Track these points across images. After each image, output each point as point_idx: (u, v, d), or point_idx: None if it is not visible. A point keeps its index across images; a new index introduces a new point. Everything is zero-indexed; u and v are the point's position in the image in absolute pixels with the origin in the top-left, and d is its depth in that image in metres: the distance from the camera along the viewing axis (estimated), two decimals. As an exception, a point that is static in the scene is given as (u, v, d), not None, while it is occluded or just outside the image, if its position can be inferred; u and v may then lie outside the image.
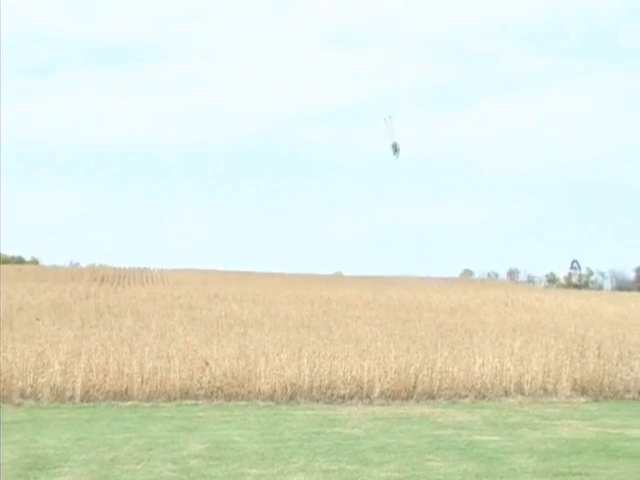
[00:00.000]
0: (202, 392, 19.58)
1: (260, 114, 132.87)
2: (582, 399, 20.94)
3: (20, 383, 18.96)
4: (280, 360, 20.45)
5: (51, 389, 18.96)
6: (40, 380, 19.02)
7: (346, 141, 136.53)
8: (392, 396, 20.21)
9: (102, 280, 63.35)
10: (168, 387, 19.49)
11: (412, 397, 20.34)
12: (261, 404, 19.24)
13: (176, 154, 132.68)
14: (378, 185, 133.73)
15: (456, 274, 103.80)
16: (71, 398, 18.91)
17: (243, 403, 19.25)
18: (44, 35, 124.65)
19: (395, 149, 15.81)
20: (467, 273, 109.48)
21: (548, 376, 21.41)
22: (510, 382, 21.14)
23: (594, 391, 21.36)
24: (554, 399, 20.82)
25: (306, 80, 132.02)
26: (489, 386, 20.98)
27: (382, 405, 19.57)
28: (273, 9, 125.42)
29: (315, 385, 20.04)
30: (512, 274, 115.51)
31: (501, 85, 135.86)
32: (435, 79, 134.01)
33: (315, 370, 20.23)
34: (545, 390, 21.23)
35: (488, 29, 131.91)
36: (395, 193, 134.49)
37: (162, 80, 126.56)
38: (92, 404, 18.72)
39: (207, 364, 19.97)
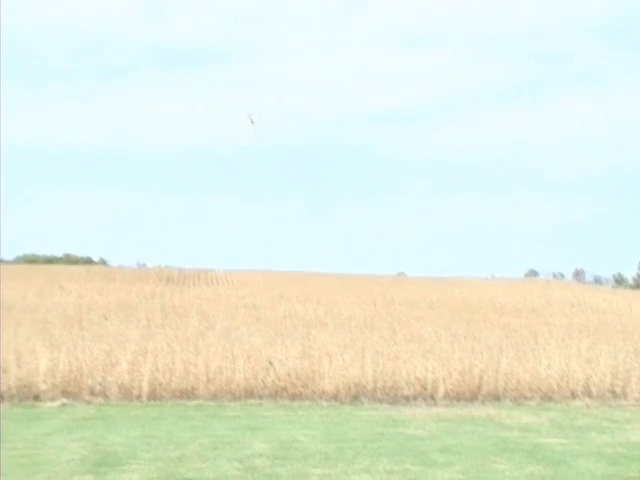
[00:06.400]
0: (266, 392, 19.73)
1: (326, 113, 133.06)
2: (652, 402, 20.51)
3: (90, 381, 19.36)
4: (343, 360, 20.49)
5: (119, 387, 19.31)
6: (109, 378, 19.39)
7: (413, 140, 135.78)
8: (456, 397, 20.08)
9: (168, 280, 64.18)
10: (233, 386, 19.68)
11: (477, 398, 20.19)
12: (325, 404, 19.31)
13: (242, 155, 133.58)
14: (443, 185, 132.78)
15: (521, 274, 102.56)
16: (138, 396, 19.24)
17: (307, 403, 19.34)
18: (116, 39, 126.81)
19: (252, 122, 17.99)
20: (532, 273, 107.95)
21: (617, 378, 21.01)
22: (577, 384, 20.82)
23: (665, 394, 20.90)
24: (623, 402, 20.44)
25: (376, 79, 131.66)
26: (555, 388, 20.70)
27: (446, 406, 19.47)
28: (344, 9, 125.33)
29: (379, 385, 20.03)
30: (578, 275, 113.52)
31: (571, 85, 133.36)
32: (502, 79, 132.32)
33: (378, 370, 20.22)
34: (614, 393, 20.85)
35: (560, 27, 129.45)
36: (460, 193, 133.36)
37: (231, 82, 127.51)
38: (159, 402, 19.01)
39: (271, 364, 20.11)
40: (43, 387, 18.95)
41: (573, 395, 20.68)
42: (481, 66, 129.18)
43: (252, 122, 18.45)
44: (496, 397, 20.30)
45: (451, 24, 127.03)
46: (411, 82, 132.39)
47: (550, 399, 20.43)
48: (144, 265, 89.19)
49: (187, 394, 19.50)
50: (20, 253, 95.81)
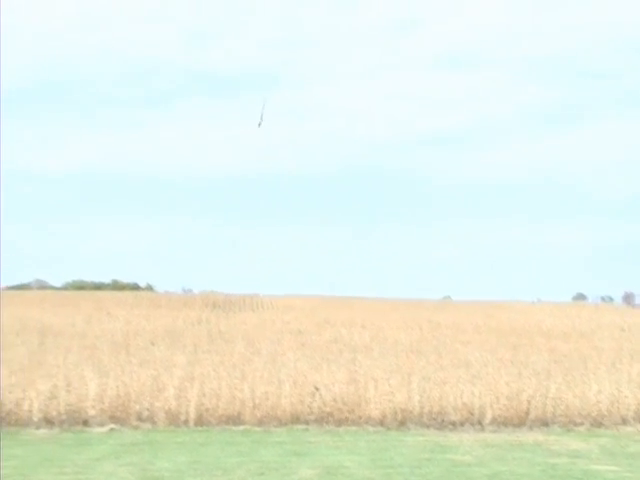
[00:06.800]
0: (312, 417, 19.71)
1: (368, 138, 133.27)
2: None
3: (137, 406, 19.52)
4: (390, 385, 20.41)
5: (166, 413, 19.44)
6: (156, 404, 19.53)
7: (459, 163, 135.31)
8: (504, 423, 19.87)
9: (213, 306, 64.50)
10: (279, 412, 19.70)
11: (525, 424, 19.95)
12: (371, 429, 19.23)
13: (287, 180, 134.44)
14: (489, 208, 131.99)
15: (568, 298, 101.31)
16: (185, 422, 19.34)
17: (353, 428, 19.28)
18: (162, 65, 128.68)
19: (260, 121, 18.92)
20: (580, 297, 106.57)
21: (669, 404, 20.62)
22: (628, 410, 20.46)
23: None
24: (675, 428, 20.04)
25: (422, 102, 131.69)
26: (606, 414, 20.36)
27: (494, 432, 19.27)
28: (390, 32, 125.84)
29: (425, 411, 19.90)
30: (628, 298, 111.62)
31: (619, 105, 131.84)
32: (550, 100, 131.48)
33: (425, 396, 20.10)
34: (666, 418, 20.45)
35: (608, 47, 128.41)
36: (506, 216, 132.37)
37: (278, 107, 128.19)
38: (206, 428, 19.09)
39: (317, 389, 20.10)
40: (92, 412, 19.17)
41: (624, 421, 20.32)
42: (528, 87, 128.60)
43: (259, 124, 19.43)
44: (544, 423, 20.04)
45: (498, 46, 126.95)
46: (457, 105, 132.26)
47: (600, 425, 20.09)
48: (190, 291, 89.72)
49: (233, 419, 19.56)
50: (69, 279, 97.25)
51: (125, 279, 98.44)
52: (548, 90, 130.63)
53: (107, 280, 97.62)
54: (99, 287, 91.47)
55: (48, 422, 18.90)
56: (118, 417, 19.29)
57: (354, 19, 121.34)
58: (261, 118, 19.27)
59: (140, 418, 19.39)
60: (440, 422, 19.77)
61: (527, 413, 20.11)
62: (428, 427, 19.54)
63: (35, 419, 18.85)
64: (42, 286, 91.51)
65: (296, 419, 19.65)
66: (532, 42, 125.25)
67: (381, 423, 19.59)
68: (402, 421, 19.71)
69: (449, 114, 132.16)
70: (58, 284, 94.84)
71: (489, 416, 19.81)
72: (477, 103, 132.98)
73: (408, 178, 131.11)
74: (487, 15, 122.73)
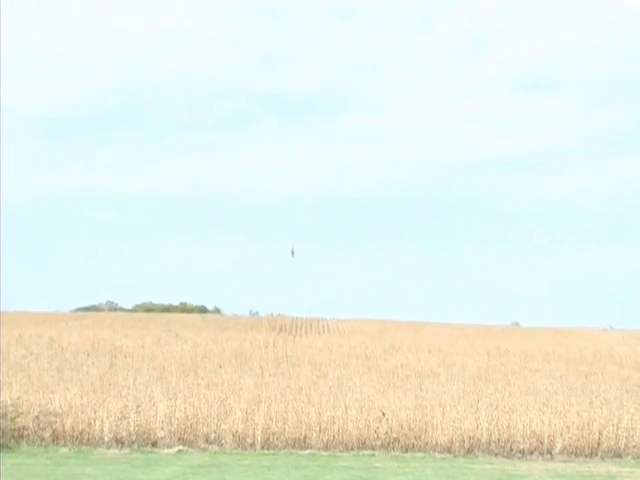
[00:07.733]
0: (379, 442, 19.63)
1: (436, 162, 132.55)
2: None
3: (205, 428, 19.72)
4: (457, 412, 20.22)
5: (233, 435, 19.59)
6: (223, 426, 19.70)
7: (525, 188, 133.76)
8: (574, 452, 19.51)
9: (280, 329, 64.71)
10: (345, 437, 19.68)
11: (596, 454, 19.55)
12: (438, 456, 19.06)
13: (355, 204, 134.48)
14: (558, 233, 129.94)
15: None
16: (252, 445, 19.46)
17: (420, 455, 19.14)
18: (231, 90, 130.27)
19: (293, 253, 20.78)
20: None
21: None
22: None
23: None
24: None
25: (490, 125, 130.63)
26: (681, 445, 19.80)
27: (564, 461, 18.92)
28: (459, 55, 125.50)
29: (493, 438, 19.66)
30: None
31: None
32: (619, 123, 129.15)
33: (493, 423, 19.85)
34: None
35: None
36: (576, 241, 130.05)
37: (347, 131, 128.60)
38: (272, 451, 19.17)
39: (384, 414, 20.02)
40: (161, 434, 19.43)
41: (700, 453, 19.74)
42: (604, 110, 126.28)
43: (292, 253, 21.25)
44: (617, 454, 19.61)
45: (570, 67, 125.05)
46: (526, 128, 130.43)
47: (676, 457, 19.56)
48: (257, 314, 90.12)
49: (300, 443, 19.60)
50: (138, 302, 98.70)
51: (193, 302, 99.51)
52: (624, 112, 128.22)
53: (176, 302, 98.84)
54: (168, 309, 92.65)
55: (118, 442, 19.22)
56: (186, 439, 19.52)
57: (424, 42, 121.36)
58: (293, 251, 21.00)
59: (208, 440, 19.58)
60: (508, 450, 19.50)
61: (599, 443, 19.71)
62: (496, 455, 19.29)
63: (106, 439, 19.20)
64: (113, 308, 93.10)
65: (362, 444, 19.61)
66: (607, 62, 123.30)
67: (448, 450, 19.42)
68: (469, 448, 19.50)
69: (518, 138, 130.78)
70: (128, 306, 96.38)
71: (559, 445, 19.47)
72: (547, 126, 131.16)
73: (477, 202, 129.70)
74: (560, 36, 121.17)
